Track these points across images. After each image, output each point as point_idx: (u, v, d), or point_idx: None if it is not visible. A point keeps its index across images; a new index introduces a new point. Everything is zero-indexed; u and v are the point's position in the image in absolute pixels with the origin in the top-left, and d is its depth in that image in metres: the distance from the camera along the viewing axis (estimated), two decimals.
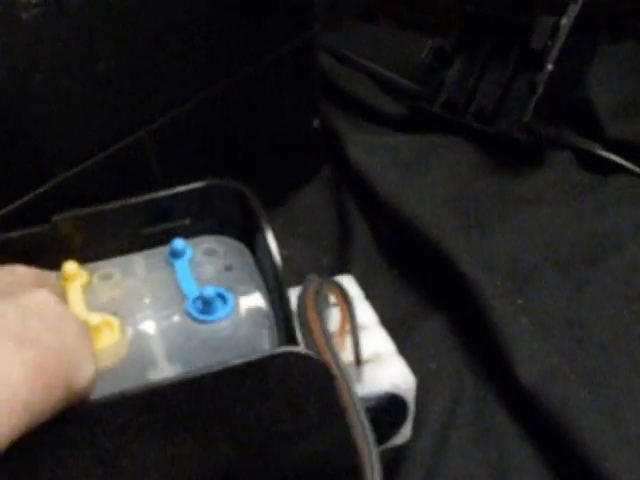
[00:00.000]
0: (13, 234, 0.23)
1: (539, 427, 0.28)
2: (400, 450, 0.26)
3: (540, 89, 0.40)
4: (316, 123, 0.40)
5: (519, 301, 0.33)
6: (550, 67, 0.40)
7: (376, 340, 0.25)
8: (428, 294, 0.34)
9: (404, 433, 0.25)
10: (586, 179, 0.39)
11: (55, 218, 0.24)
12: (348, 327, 0.24)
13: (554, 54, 0.40)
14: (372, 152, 0.39)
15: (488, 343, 0.30)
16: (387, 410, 0.23)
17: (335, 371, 0.20)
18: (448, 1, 0.49)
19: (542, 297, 0.33)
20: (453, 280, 0.33)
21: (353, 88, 0.44)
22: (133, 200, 0.24)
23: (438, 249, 0.34)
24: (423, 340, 0.32)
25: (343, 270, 0.34)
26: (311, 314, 0.22)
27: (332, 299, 0.25)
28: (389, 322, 0.33)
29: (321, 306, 0.23)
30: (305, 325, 0.22)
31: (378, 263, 0.35)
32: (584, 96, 0.43)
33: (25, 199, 0.28)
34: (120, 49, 0.30)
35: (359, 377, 0.23)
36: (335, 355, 0.21)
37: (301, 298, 0.23)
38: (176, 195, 0.24)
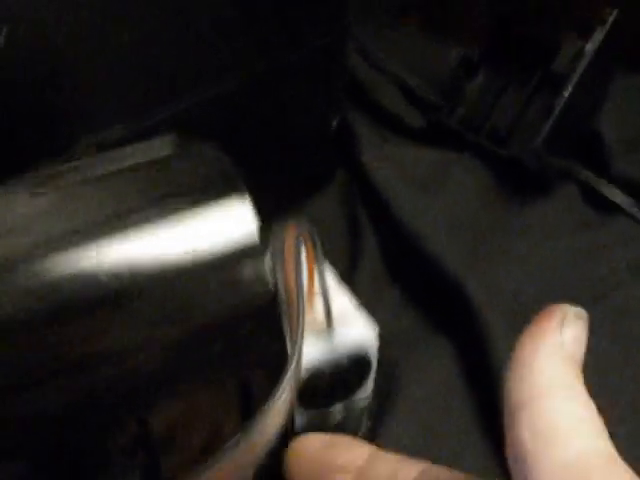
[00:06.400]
0: None
1: None
2: None
3: (555, 113, 0.40)
4: (334, 123, 0.40)
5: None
6: (568, 92, 0.40)
7: (338, 299, 0.25)
8: (428, 315, 0.35)
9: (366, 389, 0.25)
10: (587, 216, 0.40)
11: None
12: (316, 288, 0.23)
13: (574, 79, 0.40)
14: (388, 163, 0.39)
15: (486, 377, 0.31)
16: (350, 369, 0.23)
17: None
18: (480, 11, 0.49)
19: None
20: (456, 305, 0.34)
21: (375, 91, 0.44)
22: None
23: (445, 272, 0.34)
24: (416, 362, 0.33)
25: (348, 281, 0.35)
26: (289, 253, 0.21)
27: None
28: (386, 338, 0.34)
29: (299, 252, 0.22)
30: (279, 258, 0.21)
31: (383, 278, 0.36)
32: (595, 128, 0.43)
33: None
34: (144, 25, 0.29)
35: (328, 339, 0.23)
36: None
37: (279, 239, 0.21)
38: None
